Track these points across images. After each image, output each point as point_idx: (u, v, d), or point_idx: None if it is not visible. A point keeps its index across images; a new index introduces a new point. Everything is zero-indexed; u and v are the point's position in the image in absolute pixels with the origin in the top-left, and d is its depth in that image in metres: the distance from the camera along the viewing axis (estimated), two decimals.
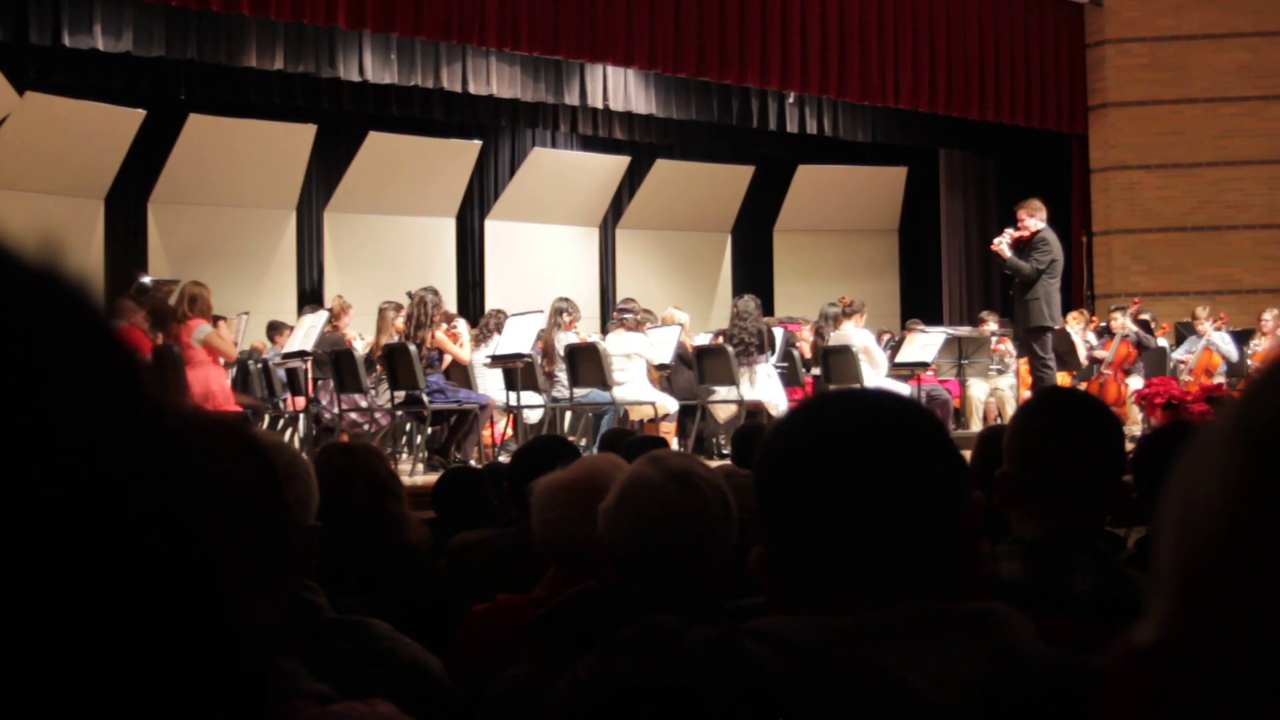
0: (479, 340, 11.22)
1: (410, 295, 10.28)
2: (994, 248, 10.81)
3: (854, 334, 11.77)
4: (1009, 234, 10.62)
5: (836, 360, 11.48)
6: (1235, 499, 0.54)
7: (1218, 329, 13.77)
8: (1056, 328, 10.80)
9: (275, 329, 13.17)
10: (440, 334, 10.05)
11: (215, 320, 9.66)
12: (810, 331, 12.89)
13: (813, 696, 1.14)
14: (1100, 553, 2.16)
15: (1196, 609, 0.55)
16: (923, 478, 1.25)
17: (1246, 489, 0.54)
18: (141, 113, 14.46)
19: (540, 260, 17.46)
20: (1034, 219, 10.55)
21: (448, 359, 10.32)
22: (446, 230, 17.33)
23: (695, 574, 2.03)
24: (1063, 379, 12.50)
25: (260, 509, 1.23)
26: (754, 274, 18.83)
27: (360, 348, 10.95)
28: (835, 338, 11.86)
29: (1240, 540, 0.53)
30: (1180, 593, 0.56)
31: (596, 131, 16.66)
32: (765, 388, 11.05)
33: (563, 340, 10.80)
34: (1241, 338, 13.84)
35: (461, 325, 11.08)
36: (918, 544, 1.22)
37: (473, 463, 9.35)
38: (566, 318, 11.02)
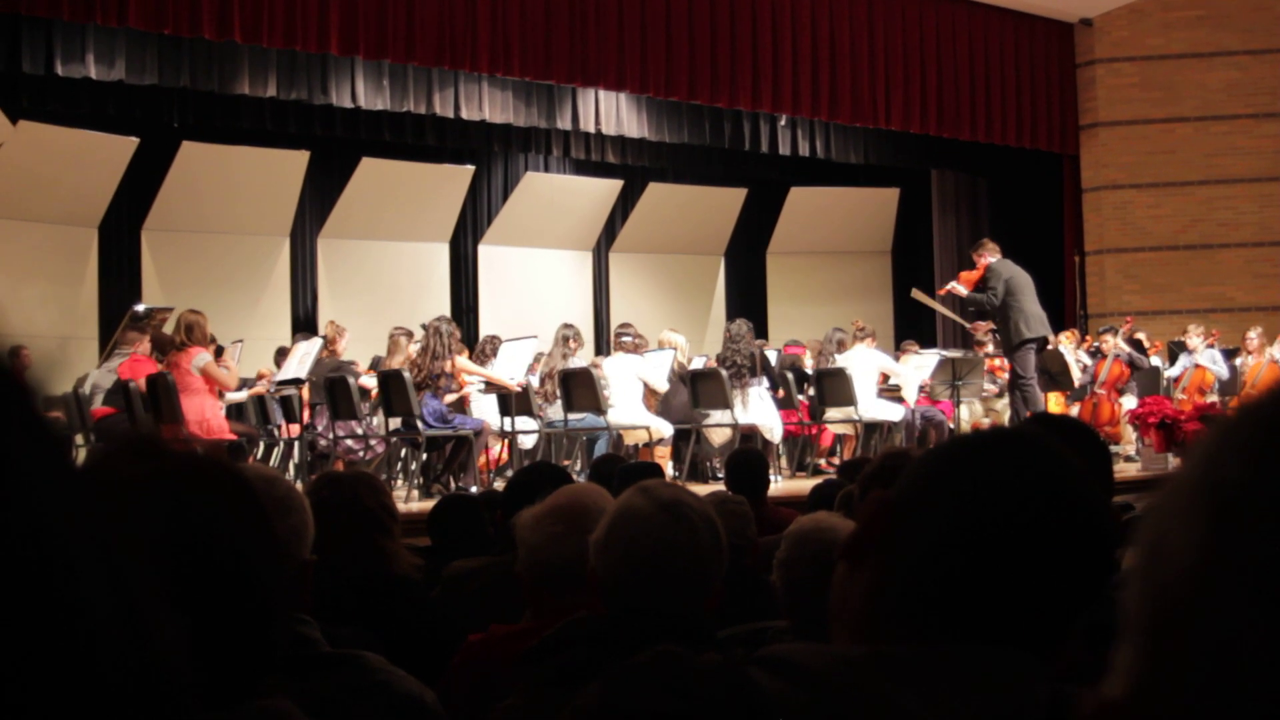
0: None
1: (425, 327, 10.26)
2: (949, 289, 11.17)
3: (869, 356, 11.78)
4: (962, 276, 11.04)
5: (830, 382, 11.49)
6: (1200, 558, 0.55)
7: (1209, 347, 13.79)
8: (1039, 338, 10.83)
9: (283, 354, 13.11)
10: (464, 360, 10.04)
11: (219, 351, 9.60)
12: (813, 354, 12.89)
13: None
14: None
15: (1165, 664, 0.56)
16: (1094, 541, 1.24)
17: (1211, 549, 0.55)
18: (135, 140, 14.47)
19: (534, 285, 17.46)
20: (983, 258, 10.87)
21: (468, 388, 10.29)
22: (440, 255, 17.32)
23: (685, 603, 2.04)
24: (1057, 399, 12.51)
25: (233, 543, 1.23)
26: (748, 296, 18.84)
27: (365, 376, 10.93)
28: (845, 360, 11.82)
29: (1206, 598, 0.54)
30: (1149, 647, 0.57)
31: (589, 155, 16.69)
32: (758, 410, 11.06)
33: (570, 365, 10.77)
34: (1231, 356, 13.87)
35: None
36: (1056, 603, 1.22)
37: (473, 489, 9.34)
38: (573, 344, 11.00)
